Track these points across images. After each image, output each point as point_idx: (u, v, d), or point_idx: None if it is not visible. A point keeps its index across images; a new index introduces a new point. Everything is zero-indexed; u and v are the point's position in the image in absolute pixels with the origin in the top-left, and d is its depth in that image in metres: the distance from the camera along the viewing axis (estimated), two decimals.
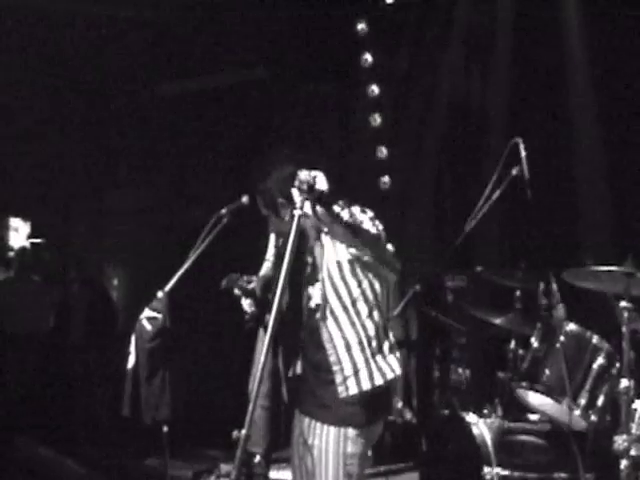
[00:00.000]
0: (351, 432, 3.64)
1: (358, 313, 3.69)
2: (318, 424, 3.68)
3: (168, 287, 4.12)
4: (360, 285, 3.70)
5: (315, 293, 3.74)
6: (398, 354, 3.77)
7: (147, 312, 4.12)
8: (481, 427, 5.10)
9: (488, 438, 5.02)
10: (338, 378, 3.66)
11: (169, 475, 5.38)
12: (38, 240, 6.19)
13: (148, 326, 4.09)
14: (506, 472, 4.91)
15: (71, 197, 8.39)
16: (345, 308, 3.69)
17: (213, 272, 5.18)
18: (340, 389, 3.65)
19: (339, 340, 3.67)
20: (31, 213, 6.14)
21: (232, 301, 5.52)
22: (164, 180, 8.94)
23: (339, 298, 3.69)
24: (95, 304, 8.12)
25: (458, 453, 5.18)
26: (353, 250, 3.64)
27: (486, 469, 4.91)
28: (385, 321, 3.78)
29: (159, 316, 4.10)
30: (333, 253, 3.71)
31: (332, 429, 3.65)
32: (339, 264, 3.70)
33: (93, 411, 7.71)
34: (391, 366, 3.71)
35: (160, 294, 4.12)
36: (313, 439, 3.68)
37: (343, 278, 3.69)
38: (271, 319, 3.27)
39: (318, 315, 3.72)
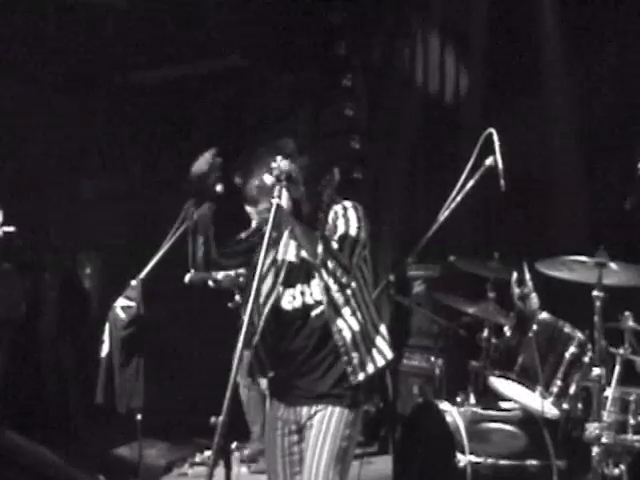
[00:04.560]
0: (351, 415, 3.71)
1: (358, 302, 3.75)
2: (320, 410, 3.72)
3: (142, 275, 4.11)
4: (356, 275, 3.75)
5: (314, 289, 3.76)
6: (387, 338, 3.84)
7: (121, 300, 4.11)
8: (454, 415, 5.13)
9: (461, 426, 5.05)
10: (346, 366, 3.70)
11: (142, 464, 5.37)
12: (10, 228, 6.13)
13: (122, 314, 4.09)
14: (479, 459, 4.95)
15: (44, 185, 8.32)
16: (347, 299, 3.72)
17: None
18: (350, 376, 3.70)
19: (346, 330, 3.70)
20: (2, 200, 6.08)
21: (208, 289, 5.52)
22: (138, 168, 8.88)
23: (341, 290, 3.72)
24: (68, 292, 8.06)
25: (431, 440, 5.21)
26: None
27: (459, 456, 4.94)
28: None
29: (133, 304, 4.09)
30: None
31: (336, 412, 3.70)
32: None
33: (66, 399, 7.66)
34: (387, 348, 3.81)
35: (134, 282, 4.11)
36: (311, 425, 3.72)
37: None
38: (248, 308, 3.28)
39: (319, 310, 3.74)
